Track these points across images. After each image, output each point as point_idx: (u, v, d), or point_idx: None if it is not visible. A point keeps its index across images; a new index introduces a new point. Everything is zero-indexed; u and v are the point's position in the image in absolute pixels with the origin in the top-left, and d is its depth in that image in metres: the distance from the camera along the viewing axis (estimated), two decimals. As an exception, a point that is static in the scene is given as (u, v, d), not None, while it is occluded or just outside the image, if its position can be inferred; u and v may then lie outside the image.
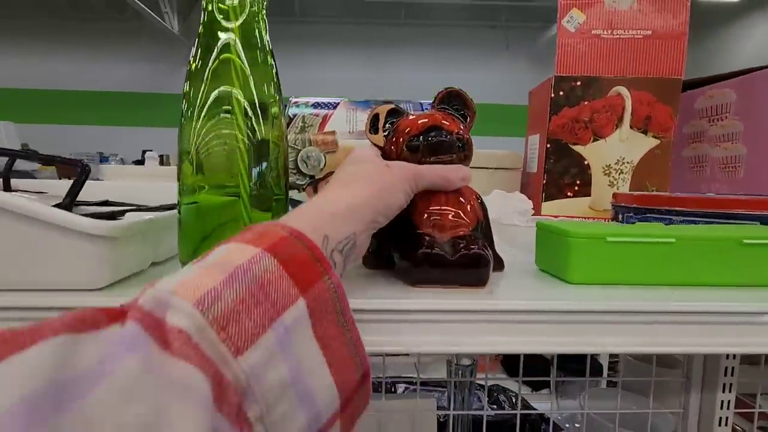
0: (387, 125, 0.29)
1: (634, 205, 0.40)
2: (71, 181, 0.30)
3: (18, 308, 0.21)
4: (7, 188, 0.38)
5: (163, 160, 2.90)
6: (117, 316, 0.15)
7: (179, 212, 0.26)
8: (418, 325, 0.22)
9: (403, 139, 0.27)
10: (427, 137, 0.27)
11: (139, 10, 4.83)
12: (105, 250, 0.21)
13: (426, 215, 0.26)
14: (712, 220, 0.34)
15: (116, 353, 0.13)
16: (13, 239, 0.20)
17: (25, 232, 0.20)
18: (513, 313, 0.22)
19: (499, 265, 0.29)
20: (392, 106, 0.29)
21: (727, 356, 0.49)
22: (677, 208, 0.35)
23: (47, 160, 0.34)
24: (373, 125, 0.29)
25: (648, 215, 0.38)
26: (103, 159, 4.49)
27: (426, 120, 0.27)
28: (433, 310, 0.22)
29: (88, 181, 0.33)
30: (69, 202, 0.29)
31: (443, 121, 0.28)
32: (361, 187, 0.23)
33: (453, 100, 0.30)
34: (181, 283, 0.16)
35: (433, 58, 6.16)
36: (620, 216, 0.42)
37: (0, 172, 0.35)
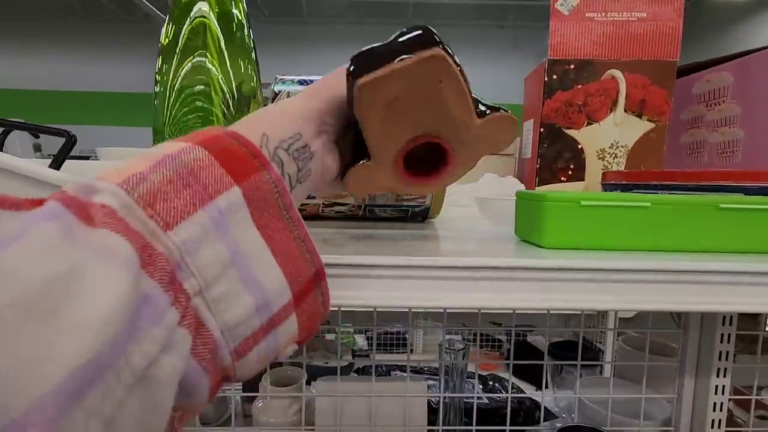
0: None
1: (622, 182, 0.39)
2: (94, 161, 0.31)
3: None
4: None
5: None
6: (39, 203, 0.14)
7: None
8: (388, 281, 0.22)
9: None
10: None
11: (149, 12, 4.90)
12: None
13: None
14: (698, 193, 0.33)
15: (34, 221, 0.13)
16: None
17: (22, 191, 0.21)
18: (485, 270, 0.22)
19: None
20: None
21: (722, 340, 0.49)
22: (665, 183, 0.35)
23: (38, 130, 0.35)
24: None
25: (635, 190, 0.38)
26: (113, 158, 4.56)
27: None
28: (404, 266, 0.22)
29: (86, 162, 0.33)
30: (56, 168, 0.30)
31: None
32: (301, 96, 0.23)
33: None
34: (107, 171, 0.16)
35: (439, 57, 6.14)
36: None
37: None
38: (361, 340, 1.11)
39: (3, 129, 0.35)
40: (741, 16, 5.29)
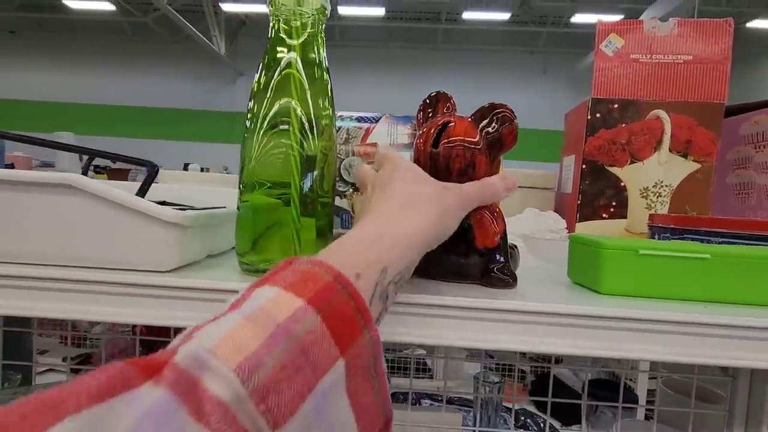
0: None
1: (672, 226, 0.39)
2: (140, 182, 0.34)
3: (100, 282, 0.24)
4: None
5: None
6: (152, 370, 0.14)
7: (238, 209, 0.29)
8: (454, 321, 0.23)
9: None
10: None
11: (191, 34, 5.19)
12: (176, 236, 0.24)
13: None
14: (752, 242, 0.33)
15: (147, 423, 0.13)
16: (102, 222, 0.23)
17: (114, 216, 0.23)
18: (543, 315, 0.23)
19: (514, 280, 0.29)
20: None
21: (774, 391, 0.47)
22: (716, 230, 0.35)
23: (120, 159, 0.38)
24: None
25: (686, 236, 0.38)
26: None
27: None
28: (470, 308, 0.23)
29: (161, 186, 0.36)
30: (142, 195, 0.33)
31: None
32: (424, 214, 0.23)
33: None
34: (221, 340, 0.15)
35: (470, 80, 6.23)
36: (657, 236, 0.42)
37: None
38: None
39: (88, 157, 0.39)
40: (781, 47, 5.15)
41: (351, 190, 0.38)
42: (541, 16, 5.62)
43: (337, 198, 0.39)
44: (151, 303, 0.23)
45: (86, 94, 6.47)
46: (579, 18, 5.26)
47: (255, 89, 0.28)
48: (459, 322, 0.23)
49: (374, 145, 0.39)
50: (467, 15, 5.50)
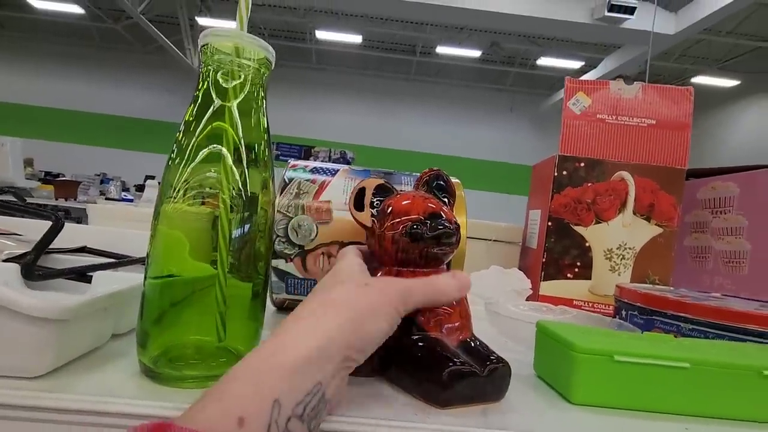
0: (374, 202, 0.27)
1: (639, 304, 0.37)
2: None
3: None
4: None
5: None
6: None
7: (144, 286, 0.23)
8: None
9: (402, 224, 0.25)
10: (432, 225, 0.25)
11: (163, 45, 5.06)
12: (49, 334, 0.19)
13: (430, 313, 0.24)
14: (724, 333, 0.31)
15: None
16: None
17: None
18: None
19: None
20: (380, 181, 0.27)
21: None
22: (686, 315, 0.33)
23: (21, 211, 0.32)
24: (358, 200, 0.27)
25: (654, 317, 0.36)
26: (105, 180, 4.51)
27: (432, 206, 0.26)
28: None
29: (71, 225, 0.31)
30: (33, 258, 0.27)
31: (444, 209, 0.26)
32: (330, 320, 0.19)
33: (435, 182, 0.28)
34: None
35: (439, 112, 6.40)
36: (623, 312, 0.40)
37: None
38: None
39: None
40: (725, 101, 5.63)
41: (297, 253, 0.34)
42: (509, 56, 5.90)
43: (282, 262, 0.34)
44: (7, 427, 0.17)
45: (44, 97, 6.12)
46: (544, 61, 5.55)
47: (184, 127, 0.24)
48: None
49: (327, 202, 0.35)
50: (441, 49, 5.69)
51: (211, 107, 0.24)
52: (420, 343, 0.23)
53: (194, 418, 0.14)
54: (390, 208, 0.26)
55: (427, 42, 5.66)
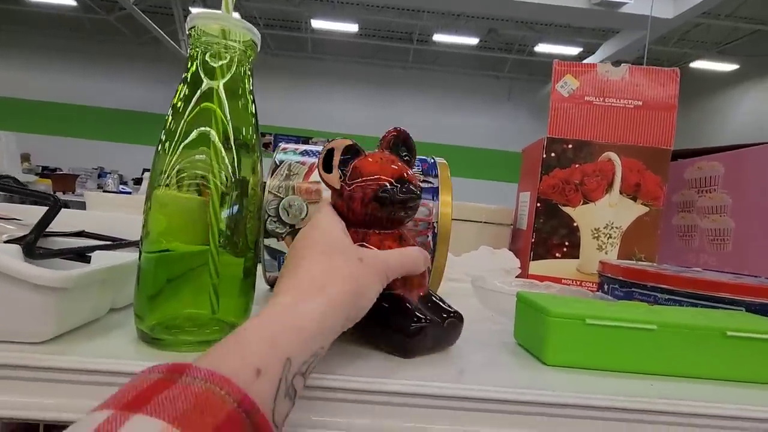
0: (342, 163, 0.27)
1: (620, 277, 0.39)
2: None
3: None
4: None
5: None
6: None
7: (139, 260, 0.25)
8: (393, 408, 0.21)
9: (371, 188, 0.26)
10: (400, 189, 0.26)
11: (158, 36, 5.01)
12: (52, 301, 0.20)
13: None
14: (698, 301, 0.33)
15: None
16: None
17: None
18: (484, 402, 0.21)
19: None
20: (349, 142, 0.27)
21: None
22: (663, 286, 0.35)
23: (21, 194, 0.33)
24: (327, 162, 0.26)
25: (633, 289, 0.37)
26: (103, 174, 4.50)
27: (396, 168, 0.26)
28: (406, 394, 0.21)
29: (70, 211, 0.32)
30: (33, 238, 0.28)
31: (407, 172, 0.27)
32: (336, 293, 0.21)
33: (398, 142, 0.29)
34: None
35: (437, 100, 6.36)
36: (606, 286, 0.41)
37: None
38: None
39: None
40: (723, 86, 5.61)
41: (288, 232, 0.35)
42: (507, 43, 5.85)
43: (273, 240, 0.35)
44: (15, 387, 0.19)
45: (37, 90, 6.08)
46: (542, 48, 5.51)
47: (172, 112, 0.25)
48: (394, 410, 0.20)
49: (317, 182, 0.36)
50: (438, 37, 5.64)
51: (199, 90, 0.25)
52: (386, 302, 0.24)
53: (212, 364, 0.16)
54: (357, 170, 0.26)
55: (423, 29, 5.61)
